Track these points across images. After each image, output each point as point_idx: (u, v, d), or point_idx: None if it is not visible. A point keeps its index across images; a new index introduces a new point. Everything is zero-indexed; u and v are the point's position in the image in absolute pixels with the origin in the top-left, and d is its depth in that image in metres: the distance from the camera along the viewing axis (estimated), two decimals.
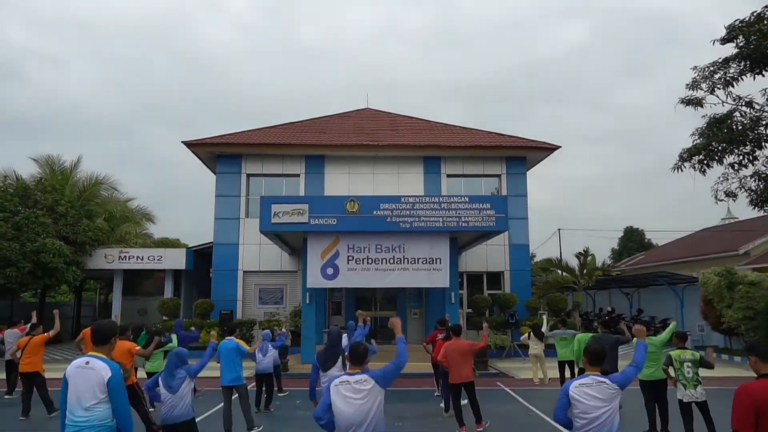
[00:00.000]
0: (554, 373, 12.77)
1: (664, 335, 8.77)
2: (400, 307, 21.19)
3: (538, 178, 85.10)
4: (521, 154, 22.52)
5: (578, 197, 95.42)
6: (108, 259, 22.67)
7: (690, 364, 7.66)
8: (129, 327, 9.33)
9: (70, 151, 76.61)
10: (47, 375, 10.84)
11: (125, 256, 22.83)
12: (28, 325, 11.47)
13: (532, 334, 13.62)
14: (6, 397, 12.10)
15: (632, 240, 52.99)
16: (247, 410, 8.86)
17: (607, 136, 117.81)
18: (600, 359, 4.90)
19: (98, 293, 34.65)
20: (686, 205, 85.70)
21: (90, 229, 22.19)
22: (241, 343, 9.17)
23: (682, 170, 15.58)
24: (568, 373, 12.28)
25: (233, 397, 8.84)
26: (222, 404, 8.93)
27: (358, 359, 4.67)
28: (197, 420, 6.67)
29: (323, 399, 4.48)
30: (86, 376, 4.51)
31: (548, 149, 22.32)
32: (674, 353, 7.87)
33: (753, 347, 4.16)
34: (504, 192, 21.88)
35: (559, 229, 38.68)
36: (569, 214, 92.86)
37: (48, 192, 22.02)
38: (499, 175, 22.66)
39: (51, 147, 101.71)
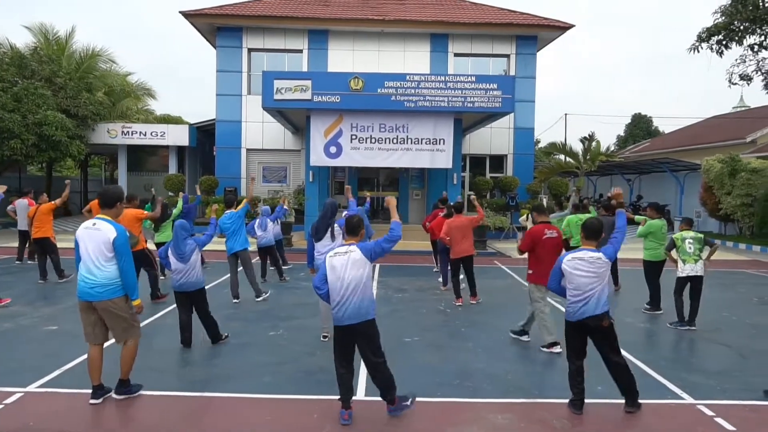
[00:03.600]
0: None
1: (657, 222, 8.94)
2: (402, 187, 21.43)
3: (546, 61, 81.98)
4: (533, 33, 21.57)
5: (585, 82, 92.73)
6: (111, 133, 22.57)
7: (692, 240, 7.90)
8: (137, 195, 9.44)
9: (63, 21, 73.53)
10: (60, 245, 11.25)
11: (128, 132, 22.71)
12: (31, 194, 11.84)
13: (531, 216, 13.89)
14: (17, 262, 12.63)
15: (639, 127, 52.33)
16: (252, 279, 9.28)
17: (618, 17, 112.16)
18: (596, 234, 5.05)
19: (103, 169, 34.94)
20: (696, 94, 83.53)
21: (91, 102, 21.85)
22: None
23: (698, 51, 15.06)
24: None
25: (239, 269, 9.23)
26: (229, 274, 9.35)
27: (351, 231, 4.80)
28: (206, 288, 7.01)
29: (321, 270, 4.68)
30: (94, 236, 4.74)
31: (561, 28, 21.33)
32: (676, 234, 8.09)
33: (533, 207, 7.63)
34: (512, 73, 21.26)
35: (565, 114, 38.15)
36: (576, 101, 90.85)
37: (45, 62, 21.40)
38: (508, 55, 21.88)
39: (43, 17, 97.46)
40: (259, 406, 4.94)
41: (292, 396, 5.15)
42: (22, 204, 12.28)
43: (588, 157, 22.60)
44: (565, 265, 4.98)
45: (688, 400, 5.25)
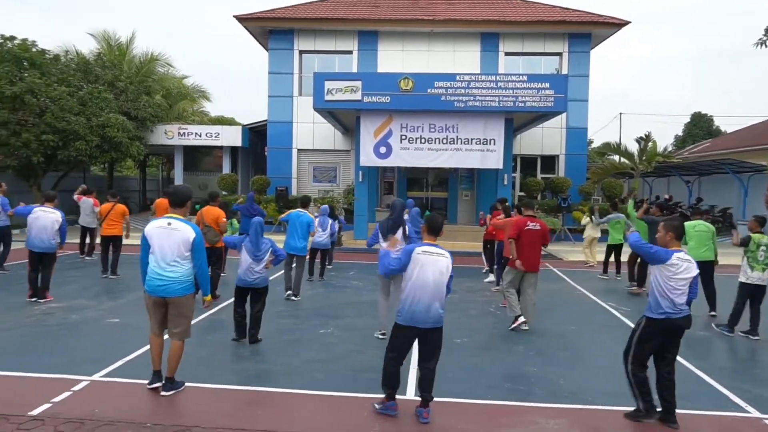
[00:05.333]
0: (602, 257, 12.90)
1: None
2: (451, 188, 21.31)
3: (600, 59, 79.75)
4: (586, 30, 21.08)
5: (642, 81, 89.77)
6: (168, 135, 23.38)
7: (765, 248, 7.58)
8: (219, 193, 9.71)
9: (124, 27, 76.57)
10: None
11: (184, 133, 23.47)
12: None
13: (593, 217, 13.63)
14: (86, 258, 13.22)
15: (699, 126, 50.24)
16: (299, 279, 9.44)
17: (677, 13, 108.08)
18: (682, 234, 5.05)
19: (161, 169, 36.17)
20: (762, 91, 79.60)
21: (149, 105, 22.71)
22: (310, 214, 9.56)
23: (766, 46, 14.30)
24: (612, 258, 12.41)
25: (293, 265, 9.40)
26: (283, 270, 9.56)
27: (435, 231, 4.87)
28: None
29: (401, 258, 4.70)
30: (170, 235, 4.92)
31: (616, 25, 20.75)
32: (755, 236, 7.76)
33: (521, 203, 8.81)
34: (565, 72, 20.81)
35: (620, 113, 37.04)
36: (631, 99, 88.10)
37: (107, 68, 22.37)
38: (560, 54, 21.45)
39: (105, 23, 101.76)
40: (311, 402, 5.02)
41: (343, 393, 5.20)
42: (87, 203, 12.88)
43: (644, 158, 21.84)
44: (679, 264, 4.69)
45: (755, 414, 5.00)
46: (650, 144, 22.05)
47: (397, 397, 4.85)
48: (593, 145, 40.37)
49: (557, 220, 19.23)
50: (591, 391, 5.43)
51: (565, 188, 20.47)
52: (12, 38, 18.52)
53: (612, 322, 8.46)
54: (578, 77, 20.71)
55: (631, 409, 4.80)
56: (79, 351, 6.21)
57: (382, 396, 4.78)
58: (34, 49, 18.83)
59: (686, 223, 8.63)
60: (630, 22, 20.63)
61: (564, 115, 19.18)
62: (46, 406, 4.67)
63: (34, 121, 17.94)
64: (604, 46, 22.20)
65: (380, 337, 6.98)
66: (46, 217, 8.60)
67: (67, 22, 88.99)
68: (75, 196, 13.04)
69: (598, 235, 13.88)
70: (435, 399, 4.70)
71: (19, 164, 18.53)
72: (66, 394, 4.94)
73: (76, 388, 5.09)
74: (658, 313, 4.64)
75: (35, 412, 4.55)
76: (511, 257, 7.84)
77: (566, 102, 16.17)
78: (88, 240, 13.32)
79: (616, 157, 24.75)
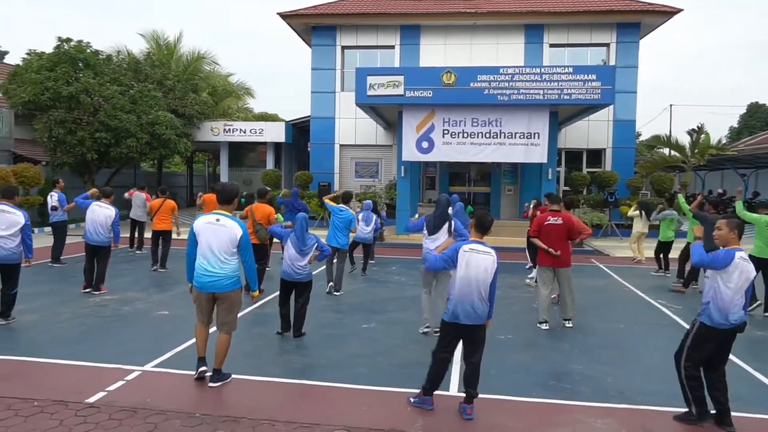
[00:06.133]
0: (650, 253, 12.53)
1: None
2: (494, 183, 21.08)
3: (649, 48, 76.80)
4: (635, 20, 20.41)
5: (694, 70, 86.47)
6: (214, 131, 23.91)
7: None
8: (268, 189, 9.88)
9: (171, 26, 78.57)
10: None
11: (229, 129, 23.96)
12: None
13: (643, 213, 13.12)
14: (137, 252, 13.67)
15: (756, 117, 48.17)
16: (341, 274, 9.51)
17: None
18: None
19: (207, 165, 37.04)
20: None
21: (196, 102, 23.28)
22: (352, 210, 9.66)
23: None
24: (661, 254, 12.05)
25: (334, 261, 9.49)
26: (324, 264, 9.67)
27: (484, 229, 4.87)
28: None
29: (447, 254, 4.72)
30: (218, 231, 5.02)
31: (667, 13, 20.02)
32: None
33: (546, 195, 9.09)
34: (612, 63, 20.24)
35: (670, 105, 35.82)
36: (682, 90, 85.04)
37: (156, 66, 23.03)
38: (607, 44, 20.86)
39: (154, 22, 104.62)
40: (354, 396, 5.06)
41: (386, 388, 5.22)
42: (140, 197, 13.32)
43: (696, 151, 21.11)
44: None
45: None
46: (703, 136, 21.28)
47: (441, 393, 4.85)
48: (641, 138, 39.16)
49: (603, 215, 18.78)
50: (640, 391, 5.28)
51: (612, 183, 19.93)
52: (68, 40, 19.28)
53: (662, 320, 8.21)
54: (626, 68, 20.11)
55: (683, 410, 4.65)
56: (131, 342, 6.43)
57: (418, 390, 4.81)
58: (88, 50, 19.55)
59: (753, 216, 8.32)
60: (682, 10, 19.89)
61: (611, 107, 18.67)
62: (102, 394, 4.85)
63: (88, 119, 18.66)
64: (654, 35, 21.45)
65: (425, 331, 6.98)
66: (100, 212, 8.92)
67: (119, 23, 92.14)
68: (126, 195, 13.47)
69: (647, 231, 13.42)
70: (479, 395, 4.67)
71: (74, 161, 19.31)
72: (120, 383, 5.13)
73: (129, 377, 5.28)
74: (713, 320, 4.48)
75: (92, 399, 4.74)
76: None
77: (614, 94, 15.75)
78: (136, 234, 13.77)
79: (666, 150, 23.99)
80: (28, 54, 19.80)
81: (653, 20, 20.52)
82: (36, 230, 14.68)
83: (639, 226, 13.33)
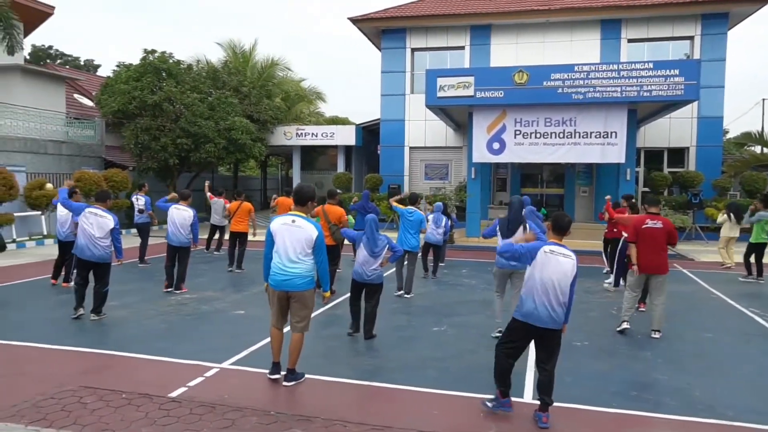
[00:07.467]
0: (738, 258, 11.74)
1: None
2: (568, 184, 20.44)
3: (739, 39, 71.70)
4: (723, 10, 19.20)
5: None
6: (287, 135, 24.55)
7: None
8: (337, 192, 10.04)
9: (246, 35, 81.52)
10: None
11: (301, 133, 24.52)
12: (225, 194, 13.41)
13: (732, 216, 12.28)
14: (215, 252, 14.23)
15: None
16: (411, 276, 9.47)
17: None
18: None
19: (279, 168, 38.09)
20: None
21: (270, 108, 23.99)
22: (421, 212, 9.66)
23: None
24: (752, 258, 11.25)
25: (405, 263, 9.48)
26: (393, 268, 9.68)
27: (561, 230, 4.74)
28: None
29: (528, 247, 4.64)
30: (294, 232, 5.14)
31: (759, 1, 18.69)
32: None
33: (646, 199, 7.95)
34: (697, 56, 19.15)
35: (763, 99, 33.42)
36: None
37: (233, 74, 23.94)
38: (691, 37, 19.75)
39: (231, 32, 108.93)
40: (425, 399, 5.01)
41: (457, 393, 5.14)
42: (218, 203, 13.86)
43: None
44: None
45: None
46: None
47: (515, 399, 4.72)
48: (729, 135, 36.85)
49: (687, 218, 17.78)
50: (732, 405, 4.93)
51: (696, 183, 18.85)
52: (153, 51, 20.40)
53: (755, 330, 7.66)
54: (713, 62, 18.98)
55: None
56: (210, 339, 6.68)
57: (493, 395, 4.70)
58: (170, 61, 20.61)
59: None
60: None
61: (695, 103, 17.70)
62: (183, 389, 5.06)
63: (170, 126, 19.65)
64: (744, 24, 20.12)
65: (497, 336, 6.84)
66: (179, 215, 9.34)
67: (198, 33, 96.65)
68: (207, 194, 14.00)
69: (737, 234, 12.55)
70: (555, 404, 4.52)
71: (158, 166, 20.37)
72: (199, 379, 5.33)
73: (208, 374, 5.48)
74: None
75: (174, 394, 4.95)
76: (630, 260, 7.28)
77: (698, 89, 14.90)
78: (217, 236, 14.38)
79: (758, 148, 22.45)
80: (117, 66, 21.15)
81: (743, 9, 19.22)
82: (123, 231, 15.58)
83: (727, 230, 12.50)
